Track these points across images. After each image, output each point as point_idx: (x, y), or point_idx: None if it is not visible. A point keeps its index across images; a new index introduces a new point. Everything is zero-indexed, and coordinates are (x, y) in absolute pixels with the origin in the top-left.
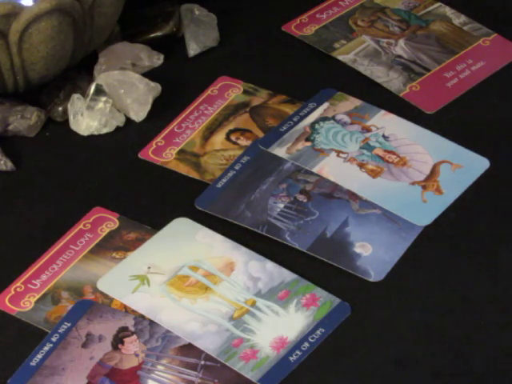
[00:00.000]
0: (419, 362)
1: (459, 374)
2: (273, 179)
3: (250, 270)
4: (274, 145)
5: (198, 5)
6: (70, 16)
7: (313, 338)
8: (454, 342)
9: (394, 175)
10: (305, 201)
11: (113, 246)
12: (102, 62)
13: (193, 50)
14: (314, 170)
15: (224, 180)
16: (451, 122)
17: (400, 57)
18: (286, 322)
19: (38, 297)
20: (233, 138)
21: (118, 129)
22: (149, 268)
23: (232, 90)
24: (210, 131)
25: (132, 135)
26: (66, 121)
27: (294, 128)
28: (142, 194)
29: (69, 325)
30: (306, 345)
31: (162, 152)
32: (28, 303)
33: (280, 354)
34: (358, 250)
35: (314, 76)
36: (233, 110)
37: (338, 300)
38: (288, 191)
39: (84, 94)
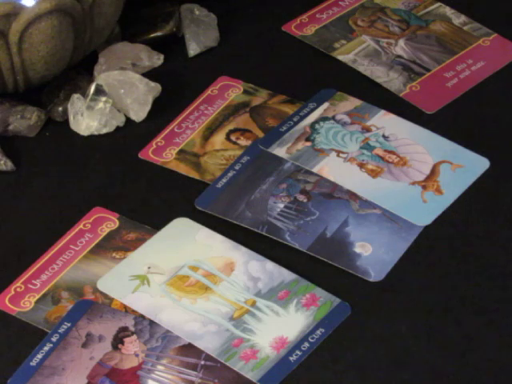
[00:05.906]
0: (419, 362)
1: (459, 374)
2: (273, 179)
3: (250, 270)
4: (274, 145)
5: (197, 5)
6: (70, 16)
7: (313, 338)
8: (454, 341)
9: (394, 175)
10: (305, 201)
11: (113, 246)
12: (102, 62)
13: (193, 50)
14: (314, 170)
15: (224, 180)
16: (451, 122)
17: (400, 57)
18: (286, 322)
19: (38, 297)
20: (233, 137)
21: (118, 129)
22: (149, 268)
23: (232, 90)
24: (210, 131)
25: (132, 135)
26: (66, 121)
27: (293, 128)
28: (142, 194)
29: (69, 325)
30: (306, 345)
31: (162, 152)
32: (28, 303)
33: (280, 353)
34: (358, 249)
35: (314, 76)
36: (233, 110)
37: (338, 300)
38: (288, 191)
39: (84, 94)
